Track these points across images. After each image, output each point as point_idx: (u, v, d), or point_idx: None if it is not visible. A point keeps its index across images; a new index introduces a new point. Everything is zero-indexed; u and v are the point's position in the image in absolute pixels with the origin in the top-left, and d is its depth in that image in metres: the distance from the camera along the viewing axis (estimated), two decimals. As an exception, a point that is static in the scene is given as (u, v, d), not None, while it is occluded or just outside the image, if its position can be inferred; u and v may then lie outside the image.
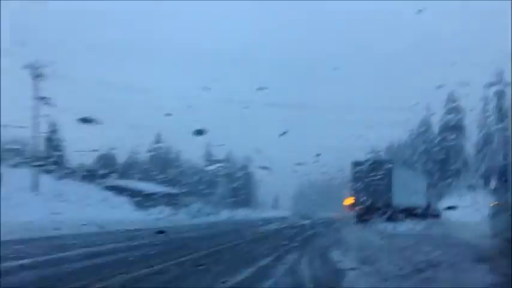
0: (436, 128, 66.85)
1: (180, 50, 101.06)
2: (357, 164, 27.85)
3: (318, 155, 10.01)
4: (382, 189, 26.65)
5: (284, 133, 9.25)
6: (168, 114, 10.47)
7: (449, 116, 63.72)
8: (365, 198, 27.14)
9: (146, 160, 66.18)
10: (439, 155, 64.73)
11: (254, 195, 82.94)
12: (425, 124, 69.25)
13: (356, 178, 27.46)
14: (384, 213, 26.15)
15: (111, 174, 47.95)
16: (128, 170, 60.24)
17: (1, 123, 24.91)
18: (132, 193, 43.50)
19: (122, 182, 48.22)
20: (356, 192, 27.72)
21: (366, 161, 28.66)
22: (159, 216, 35.77)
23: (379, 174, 26.37)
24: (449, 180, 59.32)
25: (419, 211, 30.23)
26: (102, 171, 48.78)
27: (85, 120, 7.35)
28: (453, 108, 63.19)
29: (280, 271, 8.14)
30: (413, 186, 30.77)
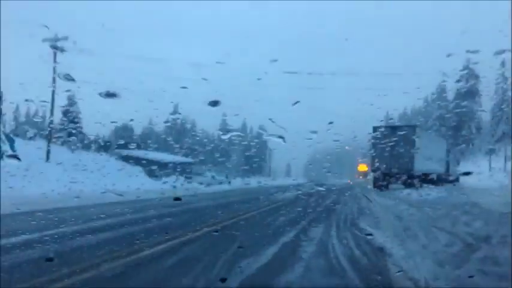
0: (450, 94, 65.86)
1: (195, 24, 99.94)
2: (377, 128, 26.95)
3: (330, 122, 9.36)
4: (403, 154, 25.81)
5: (297, 102, 8.61)
6: (184, 87, 10.11)
7: (462, 83, 62.76)
8: (384, 163, 26.37)
9: (162, 131, 65.78)
10: (454, 121, 63.71)
11: (268, 163, 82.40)
12: (439, 91, 68.27)
13: (376, 143, 26.60)
14: (404, 178, 25.40)
15: (129, 145, 47.66)
16: (144, 140, 59.86)
17: (25, 99, 24.26)
18: (148, 163, 43.02)
19: (138, 153, 47.80)
20: (375, 158, 26.91)
21: (387, 125, 27.68)
22: (173, 184, 35.27)
23: (400, 138, 25.52)
24: (465, 145, 58.42)
25: (437, 176, 29.46)
26: (119, 142, 48.52)
27: (108, 95, 7.00)
28: (466, 74, 62.04)
29: (310, 251, 7.52)
30: (434, 151, 29.88)
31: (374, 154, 27.00)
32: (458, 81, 62.86)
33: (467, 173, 25.46)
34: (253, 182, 53.98)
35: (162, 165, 44.78)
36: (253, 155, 72.61)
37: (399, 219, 11.00)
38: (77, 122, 40.13)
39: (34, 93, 24.16)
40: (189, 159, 55.49)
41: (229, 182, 49.62)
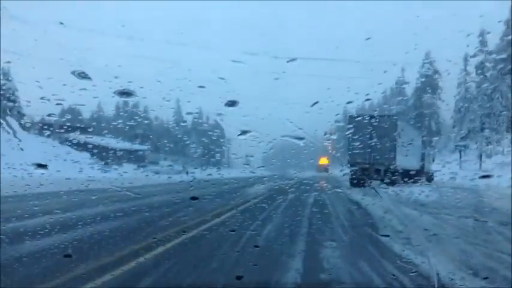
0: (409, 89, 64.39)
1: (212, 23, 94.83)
2: (354, 117, 23.22)
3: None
4: (384, 147, 22.22)
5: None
6: (201, 87, 8.82)
7: (423, 78, 61.02)
8: (363, 157, 22.76)
9: (113, 116, 60.68)
10: (412, 117, 61.71)
11: (227, 154, 78.20)
12: (399, 86, 66.65)
13: (352, 134, 22.89)
14: (385, 175, 21.87)
15: (76, 129, 42.62)
16: (94, 125, 54.69)
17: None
18: (96, 148, 38.31)
19: (87, 138, 42.86)
20: (352, 151, 23.20)
21: (366, 114, 24.00)
22: (121, 173, 30.86)
23: (380, 129, 21.95)
24: (438, 139, 56.29)
25: (415, 173, 26.04)
26: (65, 125, 43.28)
27: (124, 93, 6.10)
28: (429, 69, 60.10)
29: None
30: (413, 145, 26.50)
31: (351, 147, 23.29)
32: (422, 74, 61.21)
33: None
34: (214, 172, 49.82)
35: (113, 152, 40.15)
36: (213, 145, 68.32)
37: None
38: (13, 101, 34.81)
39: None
40: (143, 147, 50.84)
41: (187, 172, 45.51)
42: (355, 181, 23.11)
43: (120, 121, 57.56)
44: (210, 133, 68.79)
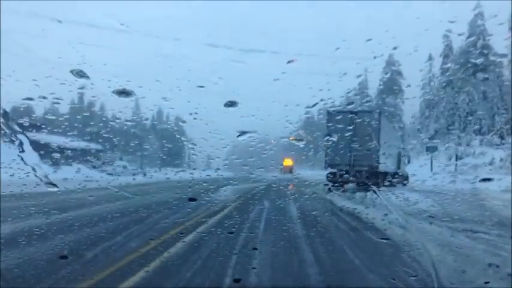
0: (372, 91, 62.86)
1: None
2: (333, 114, 20.28)
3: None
4: (366, 147, 19.38)
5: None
6: (201, 86, 8.62)
7: (385, 79, 59.50)
8: (343, 158, 19.91)
9: (68, 114, 56.05)
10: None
11: (187, 154, 74.49)
12: (362, 86, 64.94)
13: (331, 132, 19.94)
14: (367, 177, 19.09)
15: (25, 126, 38.10)
16: (46, 122, 50.02)
17: None
18: (44, 147, 34.18)
19: (36, 136, 38.52)
20: (331, 151, 20.27)
21: (347, 110, 21.11)
22: (73, 173, 27.16)
23: (363, 126, 19.17)
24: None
25: (392, 175, 23.40)
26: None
27: (121, 93, 5.78)
28: (389, 70, 58.58)
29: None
30: (391, 144, 23.84)
31: (329, 146, 20.35)
32: (382, 79, 59.52)
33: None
34: (172, 174, 46.22)
35: (63, 151, 36.08)
36: (173, 145, 64.55)
37: None
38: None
39: None
40: (97, 146, 46.69)
41: (145, 174, 41.84)
42: (334, 184, 20.21)
43: (76, 118, 53.26)
44: (172, 133, 65.18)
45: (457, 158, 36.76)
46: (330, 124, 19.96)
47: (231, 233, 8.57)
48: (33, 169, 5.63)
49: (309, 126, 60.94)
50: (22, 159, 5.98)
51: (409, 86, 60.19)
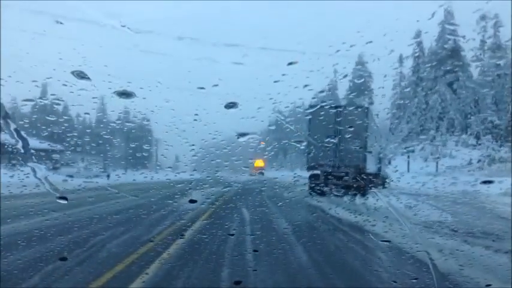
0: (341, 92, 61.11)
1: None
2: (315, 107, 17.82)
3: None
4: (353, 146, 17.03)
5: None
6: (201, 88, 8.14)
7: (355, 80, 57.88)
8: (326, 158, 17.56)
9: (28, 113, 52.29)
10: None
11: (154, 155, 71.14)
12: (331, 87, 63.23)
13: (314, 128, 17.51)
14: (354, 180, 16.80)
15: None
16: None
17: None
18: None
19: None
20: (312, 151, 17.82)
21: (329, 104, 18.67)
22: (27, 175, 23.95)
23: (349, 123, 16.84)
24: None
25: (373, 177, 21.16)
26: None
27: (122, 94, 5.54)
28: (358, 70, 57.00)
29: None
30: (375, 143, 21.58)
31: (310, 145, 17.92)
32: (345, 76, 57.88)
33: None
34: (139, 175, 43.07)
35: (18, 151, 32.65)
36: (138, 145, 61.17)
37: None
38: None
39: None
40: (58, 146, 43.17)
41: (108, 176, 38.61)
42: (316, 189, 17.78)
43: (35, 117, 49.47)
44: (138, 133, 61.91)
45: (432, 159, 35.01)
46: (311, 120, 17.55)
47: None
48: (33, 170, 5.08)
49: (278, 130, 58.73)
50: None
51: (382, 87, 58.79)
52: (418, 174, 30.06)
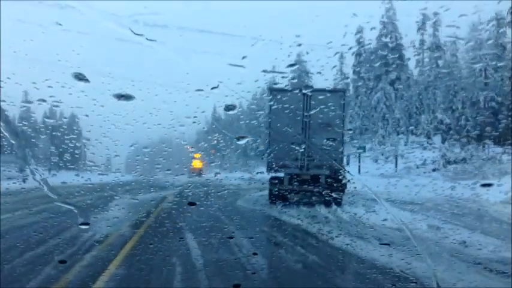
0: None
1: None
2: (278, 91, 13.23)
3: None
4: (326, 141, 12.58)
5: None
6: (199, 90, 7.55)
7: (296, 78, 54.71)
8: (292, 157, 13.01)
9: None
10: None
11: (83, 155, 64.08)
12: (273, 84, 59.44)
13: (275, 118, 12.90)
14: (328, 185, 12.38)
15: None
16: None
17: None
18: None
19: None
20: (274, 148, 13.10)
21: (296, 87, 13.94)
22: None
23: (322, 111, 12.36)
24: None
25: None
26: None
27: (121, 96, 5.24)
28: (302, 71, 53.82)
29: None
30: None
31: (272, 141, 13.24)
32: (283, 77, 54.54)
33: (488, 185, 14.18)
34: (68, 176, 36.74)
35: None
36: (65, 145, 54.10)
37: None
38: None
39: None
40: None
41: (24, 180, 32.22)
42: (279, 196, 13.09)
43: None
44: (65, 132, 55.04)
45: (384, 161, 31.61)
46: (273, 107, 12.94)
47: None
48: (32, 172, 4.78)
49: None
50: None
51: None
52: (373, 176, 26.41)
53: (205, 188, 18.56)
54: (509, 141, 26.18)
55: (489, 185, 14.32)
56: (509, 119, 24.97)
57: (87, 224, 6.10)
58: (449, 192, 15.40)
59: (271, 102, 12.93)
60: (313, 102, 12.47)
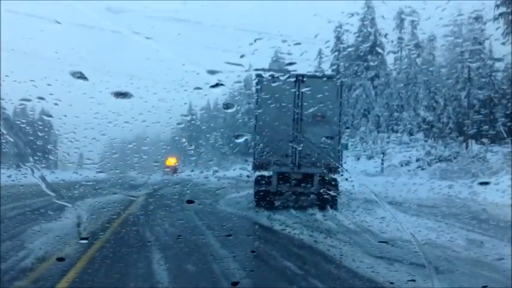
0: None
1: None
2: (266, 79, 11.18)
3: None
4: (321, 136, 10.65)
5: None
6: (198, 88, 7.52)
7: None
8: (282, 154, 11.01)
9: None
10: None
11: (55, 152, 61.00)
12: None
13: (263, 109, 10.91)
14: (321, 185, 10.44)
15: None
16: None
17: None
18: None
19: None
20: (261, 144, 11.07)
21: (287, 73, 11.94)
22: None
23: (316, 101, 10.42)
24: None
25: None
26: None
27: (119, 94, 5.11)
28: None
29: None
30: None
31: (259, 136, 11.20)
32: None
33: (485, 183, 13.88)
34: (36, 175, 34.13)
35: None
36: (36, 141, 51.16)
37: None
38: None
39: None
40: None
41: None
42: (266, 198, 11.04)
43: None
44: (38, 129, 52.19)
45: (366, 158, 30.00)
46: (261, 96, 10.93)
47: None
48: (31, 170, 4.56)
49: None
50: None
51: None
52: (357, 175, 24.68)
53: (182, 187, 16.48)
54: (489, 140, 25.10)
55: (486, 183, 14.11)
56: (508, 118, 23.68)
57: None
58: (447, 191, 14.02)
59: (259, 92, 10.93)
60: (306, 90, 10.52)
